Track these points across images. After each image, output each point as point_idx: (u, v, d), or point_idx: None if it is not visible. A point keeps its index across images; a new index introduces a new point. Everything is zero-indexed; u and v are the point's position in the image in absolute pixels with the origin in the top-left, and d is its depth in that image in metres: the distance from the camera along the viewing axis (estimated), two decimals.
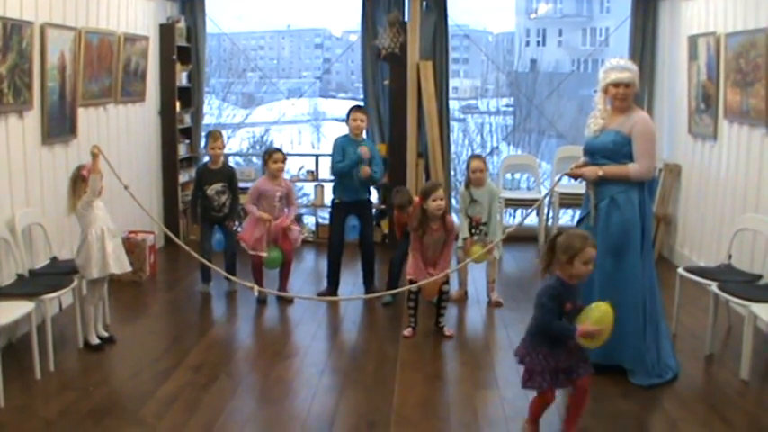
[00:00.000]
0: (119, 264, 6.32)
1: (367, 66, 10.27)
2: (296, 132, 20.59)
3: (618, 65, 5.78)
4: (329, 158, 10.46)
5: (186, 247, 6.66)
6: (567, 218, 10.77)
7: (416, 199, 6.99)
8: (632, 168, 5.60)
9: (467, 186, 7.56)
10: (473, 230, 7.47)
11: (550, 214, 10.19)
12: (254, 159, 14.84)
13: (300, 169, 10.84)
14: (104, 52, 7.91)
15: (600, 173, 5.69)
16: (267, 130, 19.06)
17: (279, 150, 7.79)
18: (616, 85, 5.70)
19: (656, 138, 5.69)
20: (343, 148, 7.72)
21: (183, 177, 10.16)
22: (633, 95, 5.77)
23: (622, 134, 5.64)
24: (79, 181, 6.21)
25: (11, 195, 6.43)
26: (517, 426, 5.12)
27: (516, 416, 5.25)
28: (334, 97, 23.42)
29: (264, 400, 5.57)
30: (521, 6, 23.32)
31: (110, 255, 6.24)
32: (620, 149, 5.65)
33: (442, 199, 6.64)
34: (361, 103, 10.01)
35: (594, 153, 5.83)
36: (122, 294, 6.66)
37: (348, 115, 7.80)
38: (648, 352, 5.68)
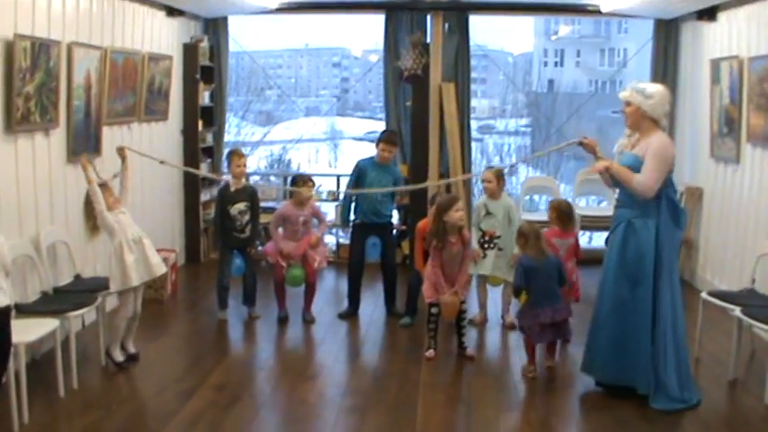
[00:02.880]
0: (139, 274, 6.27)
1: (389, 86, 10.30)
2: (313, 151, 20.67)
3: (629, 84, 5.83)
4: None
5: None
6: (585, 239, 10.75)
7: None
8: (636, 177, 5.57)
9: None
10: (485, 244, 7.46)
11: None
12: (272, 178, 14.90)
13: (318, 187, 10.88)
14: (129, 71, 7.97)
15: (606, 164, 5.73)
16: (285, 149, 19.14)
17: (308, 177, 7.87)
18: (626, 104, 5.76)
19: (669, 158, 5.59)
20: (361, 171, 7.78)
21: (205, 196, 10.19)
22: (641, 116, 5.68)
23: (639, 158, 5.64)
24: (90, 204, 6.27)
25: (36, 213, 6.47)
26: None
27: None
28: (351, 116, 23.52)
29: (287, 421, 5.58)
30: (539, 28, 23.40)
31: (130, 267, 6.21)
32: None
33: (462, 209, 6.71)
34: (384, 125, 10.04)
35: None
36: (144, 312, 6.67)
37: (379, 141, 7.82)
38: (669, 377, 5.65)
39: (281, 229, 7.72)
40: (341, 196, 10.27)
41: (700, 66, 9.17)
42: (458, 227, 6.67)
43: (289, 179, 9.74)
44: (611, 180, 5.78)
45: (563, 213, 7.14)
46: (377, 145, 7.83)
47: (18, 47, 5.92)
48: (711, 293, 6.78)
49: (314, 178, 8.18)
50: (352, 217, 7.95)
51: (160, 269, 6.50)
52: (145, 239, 6.40)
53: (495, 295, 7.98)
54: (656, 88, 5.75)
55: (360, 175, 7.82)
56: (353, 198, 7.88)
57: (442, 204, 6.76)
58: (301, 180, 7.76)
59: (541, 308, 6.15)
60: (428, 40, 9.72)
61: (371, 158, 7.87)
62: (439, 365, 6.64)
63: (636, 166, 5.63)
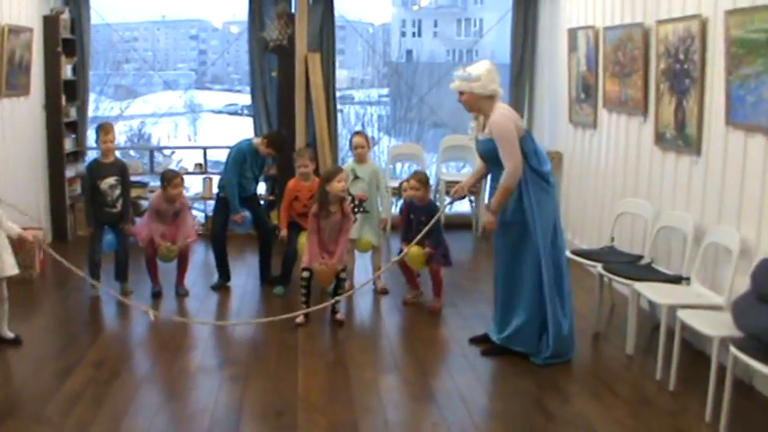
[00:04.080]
0: None
1: (254, 58, 10.26)
2: (173, 125, 20.34)
3: (455, 74, 5.98)
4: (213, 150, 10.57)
5: (68, 264, 6.54)
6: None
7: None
8: (505, 181, 5.75)
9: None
10: (355, 208, 7.57)
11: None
12: (132, 153, 14.64)
13: (179, 162, 10.84)
14: None
15: (493, 217, 5.94)
16: (144, 123, 18.79)
17: (178, 174, 7.80)
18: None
19: (510, 129, 5.71)
20: (241, 156, 7.84)
21: (70, 172, 9.94)
22: (476, 99, 5.82)
23: (492, 141, 5.80)
24: None
25: None
26: (420, 406, 5.31)
27: (420, 396, 5.46)
28: (210, 89, 23.22)
29: (170, 394, 5.58)
30: None
31: None
32: (495, 155, 5.82)
33: (345, 180, 6.89)
34: (246, 98, 10.00)
35: (482, 157, 6.09)
36: (13, 292, 6.52)
37: (265, 140, 7.91)
38: (550, 335, 5.92)
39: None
40: (208, 169, 10.32)
41: (557, 35, 9.50)
42: (339, 197, 6.82)
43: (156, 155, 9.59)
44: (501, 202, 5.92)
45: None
46: (263, 142, 7.90)
47: None
48: (574, 252, 7.09)
49: (178, 152, 8.12)
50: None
51: (12, 270, 6.31)
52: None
53: (363, 262, 8.14)
54: (480, 67, 5.87)
55: (238, 163, 7.85)
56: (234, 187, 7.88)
57: (325, 174, 6.96)
58: (170, 180, 7.64)
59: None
60: (293, 11, 9.72)
61: (248, 144, 7.93)
62: (314, 332, 6.75)
63: (492, 148, 5.81)
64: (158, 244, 7.50)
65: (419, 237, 6.65)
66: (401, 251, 7.14)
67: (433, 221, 6.55)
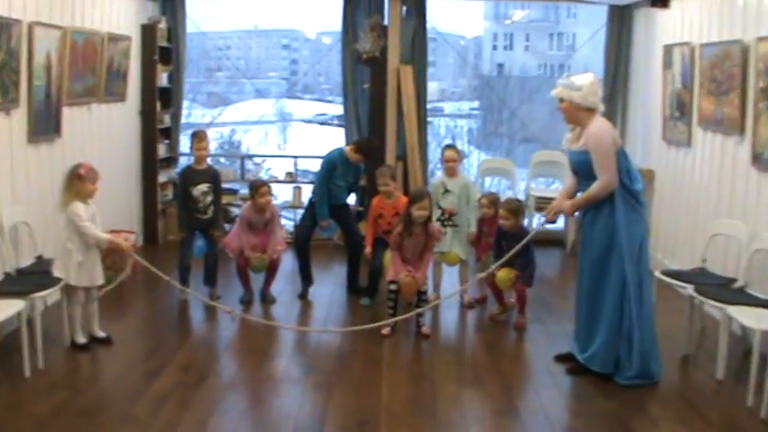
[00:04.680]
0: (80, 278, 6.32)
1: (347, 69, 10.34)
2: (263, 133, 20.61)
3: (558, 80, 5.97)
4: (303, 159, 10.67)
5: (155, 269, 6.63)
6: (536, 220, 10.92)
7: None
8: (594, 189, 5.72)
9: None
10: (444, 222, 7.60)
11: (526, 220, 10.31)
12: (223, 160, 14.88)
13: (269, 170, 10.97)
14: (89, 52, 7.93)
15: (572, 209, 5.97)
16: (234, 131, 19.08)
17: (266, 183, 7.92)
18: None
19: (608, 143, 5.68)
20: (332, 166, 7.89)
21: (163, 178, 10.18)
22: (575, 109, 5.81)
23: (585, 152, 5.76)
24: (75, 179, 6.24)
25: None
26: (503, 422, 5.27)
27: (503, 411, 5.42)
28: (300, 98, 23.46)
29: (255, 399, 5.66)
30: (489, 11, 23.52)
31: (74, 267, 6.27)
32: (587, 168, 5.78)
33: (426, 209, 6.90)
34: (337, 108, 10.11)
35: (574, 169, 6.02)
36: (106, 294, 6.70)
37: (357, 148, 7.94)
38: (634, 355, 5.82)
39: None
40: (298, 178, 10.43)
41: (652, 51, 9.36)
42: (421, 222, 6.90)
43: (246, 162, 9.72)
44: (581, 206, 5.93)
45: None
46: (353, 148, 7.95)
47: None
48: (664, 272, 6.97)
49: (269, 160, 8.21)
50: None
51: (101, 280, 6.52)
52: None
53: (450, 276, 8.12)
54: (584, 78, 5.83)
55: (329, 171, 7.91)
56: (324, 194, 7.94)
57: (411, 197, 7.08)
58: (257, 189, 7.75)
59: None
60: (386, 23, 9.78)
61: (340, 153, 7.98)
62: (399, 344, 6.77)
63: (584, 160, 5.77)
64: (248, 256, 7.60)
65: (505, 259, 6.60)
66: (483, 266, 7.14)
67: (519, 246, 6.48)
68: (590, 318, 6.02)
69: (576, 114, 5.83)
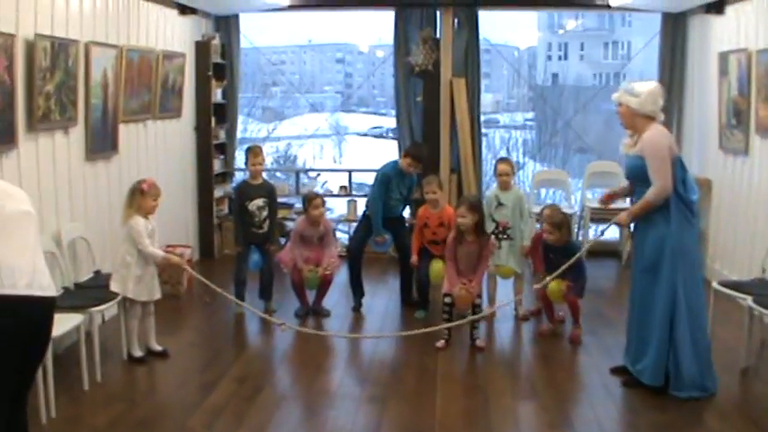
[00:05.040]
0: (138, 291, 6.42)
1: (399, 82, 10.37)
2: (318, 147, 20.74)
3: (621, 86, 5.95)
4: (358, 173, 10.70)
5: (209, 283, 6.68)
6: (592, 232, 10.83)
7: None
8: (650, 195, 5.65)
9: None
10: (499, 235, 7.58)
11: (581, 231, 10.25)
12: (278, 174, 14.99)
13: (324, 184, 11.02)
14: (144, 69, 8.06)
15: (630, 220, 5.90)
16: (290, 145, 19.20)
17: (318, 196, 7.99)
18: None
19: (663, 150, 5.62)
20: (386, 179, 7.94)
21: (218, 192, 10.30)
22: (632, 115, 5.78)
23: (639, 157, 5.72)
24: (137, 194, 6.36)
25: (56, 210, 6.58)
26: None
27: (558, 424, 5.37)
28: (355, 112, 23.58)
29: (310, 411, 5.67)
30: (543, 22, 23.44)
31: (132, 280, 6.37)
32: (642, 173, 5.72)
33: (464, 216, 6.89)
34: (391, 121, 10.14)
35: (628, 175, 5.98)
36: (162, 308, 6.79)
37: (406, 154, 7.97)
38: (687, 367, 5.73)
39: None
40: (353, 191, 10.47)
41: (707, 59, 9.25)
42: (472, 228, 6.90)
43: (301, 176, 9.79)
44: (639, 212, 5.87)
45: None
46: (403, 156, 7.98)
47: (38, 46, 6.03)
48: (722, 283, 6.87)
49: (323, 174, 8.27)
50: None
51: (158, 294, 6.63)
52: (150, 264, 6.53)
53: (505, 289, 8.08)
54: (645, 86, 5.81)
55: (383, 183, 7.95)
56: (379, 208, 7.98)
57: (458, 203, 7.12)
58: (311, 201, 7.82)
59: None
60: (438, 36, 9.80)
61: (394, 166, 8.00)
62: (453, 356, 6.75)
63: (638, 165, 5.72)
64: (301, 268, 7.65)
65: (559, 272, 6.51)
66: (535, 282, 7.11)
67: (573, 259, 6.43)
68: (641, 329, 5.95)
69: (633, 120, 5.80)
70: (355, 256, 8.16)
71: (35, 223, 4.02)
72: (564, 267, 6.38)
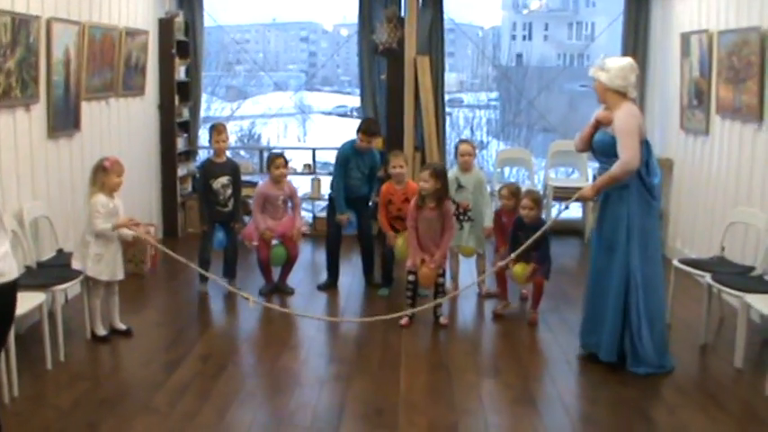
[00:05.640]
0: (97, 271, 6.41)
1: (364, 60, 10.38)
2: (282, 126, 20.66)
3: (596, 61, 6.00)
4: (322, 151, 10.67)
5: (182, 259, 6.64)
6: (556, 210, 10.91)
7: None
8: (615, 169, 5.67)
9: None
10: (460, 216, 7.60)
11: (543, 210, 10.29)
12: (242, 153, 14.94)
13: (289, 162, 11.01)
14: (107, 47, 7.99)
15: (594, 193, 5.90)
16: (254, 124, 19.12)
17: (281, 156, 7.94)
18: None
19: (633, 127, 5.65)
20: (344, 159, 7.91)
21: (182, 171, 10.25)
22: (603, 90, 5.85)
23: (609, 134, 5.78)
24: (100, 171, 6.34)
25: (18, 188, 6.50)
26: (520, 411, 5.29)
27: (520, 400, 5.45)
28: (319, 90, 23.50)
29: (274, 389, 5.69)
30: (507, 1, 23.45)
31: (93, 259, 6.37)
32: (609, 149, 5.78)
33: (426, 181, 6.86)
34: (355, 100, 10.09)
35: (595, 151, 6.00)
36: (126, 286, 6.77)
37: (359, 130, 7.86)
38: (644, 344, 5.82)
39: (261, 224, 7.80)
40: (317, 170, 10.46)
41: (670, 39, 9.32)
42: (436, 195, 6.87)
43: (265, 155, 9.76)
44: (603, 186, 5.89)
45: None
46: (357, 133, 7.89)
47: None
48: (682, 261, 6.97)
49: (288, 152, 8.27)
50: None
51: (122, 275, 6.64)
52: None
53: (468, 266, 8.16)
54: (617, 61, 5.87)
55: (342, 164, 7.93)
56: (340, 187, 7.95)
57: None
58: (272, 160, 7.83)
59: None
60: (402, 14, 9.79)
61: (351, 145, 7.94)
62: (417, 333, 6.80)
63: (607, 141, 5.78)
64: (263, 232, 7.64)
65: (525, 246, 6.51)
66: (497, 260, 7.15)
67: (538, 234, 6.44)
68: (596, 306, 6.06)
69: (605, 95, 5.86)
70: (333, 241, 8.14)
71: None
72: (529, 242, 6.40)
